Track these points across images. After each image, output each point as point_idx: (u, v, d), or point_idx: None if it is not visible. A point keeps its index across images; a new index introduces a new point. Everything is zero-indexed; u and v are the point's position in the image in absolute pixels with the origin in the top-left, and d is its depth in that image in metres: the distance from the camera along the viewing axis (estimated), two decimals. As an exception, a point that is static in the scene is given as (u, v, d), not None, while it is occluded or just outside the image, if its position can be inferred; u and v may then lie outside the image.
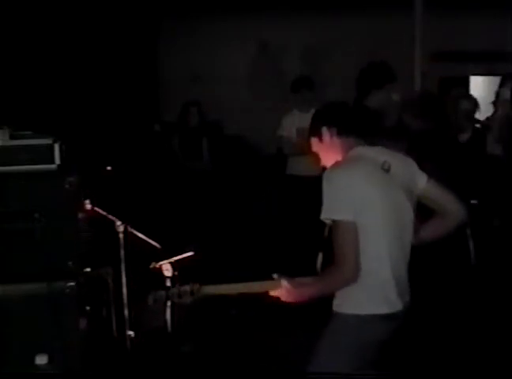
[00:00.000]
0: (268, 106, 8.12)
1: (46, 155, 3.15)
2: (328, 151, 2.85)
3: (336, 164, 2.75)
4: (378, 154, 2.78)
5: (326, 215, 2.63)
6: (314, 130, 2.89)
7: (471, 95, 5.86)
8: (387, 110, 4.71)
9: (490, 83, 6.96)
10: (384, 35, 8.34)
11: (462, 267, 5.16)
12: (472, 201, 5.38)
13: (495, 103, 5.86)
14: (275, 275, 2.74)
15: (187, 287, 2.72)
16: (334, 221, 2.61)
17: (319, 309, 2.79)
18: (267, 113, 7.13)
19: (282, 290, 2.72)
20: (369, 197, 2.63)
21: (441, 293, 5.04)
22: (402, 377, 2.70)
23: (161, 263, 4.02)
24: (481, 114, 5.75)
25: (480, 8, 8.18)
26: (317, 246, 2.74)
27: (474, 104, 5.65)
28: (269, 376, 3.63)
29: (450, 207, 2.89)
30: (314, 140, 2.90)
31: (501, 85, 5.86)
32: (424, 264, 4.28)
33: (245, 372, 4.18)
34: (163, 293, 2.71)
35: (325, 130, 2.83)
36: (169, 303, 2.75)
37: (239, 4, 8.33)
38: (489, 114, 6.01)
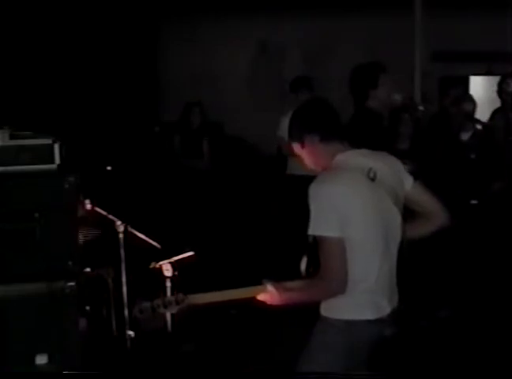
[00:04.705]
0: (268, 106, 8.12)
1: (46, 155, 3.16)
2: (312, 157, 2.81)
3: (321, 177, 2.69)
4: (363, 159, 2.72)
5: (313, 231, 2.61)
6: (295, 136, 2.82)
7: (470, 96, 5.86)
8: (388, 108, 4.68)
9: (490, 83, 6.94)
10: (384, 35, 8.34)
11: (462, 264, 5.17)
12: (472, 201, 5.39)
13: (500, 94, 5.85)
14: (264, 281, 2.75)
15: (172, 298, 2.72)
16: (320, 237, 2.59)
17: (319, 310, 2.79)
18: (267, 113, 7.12)
19: (267, 294, 2.73)
20: (354, 210, 2.60)
21: (442, 291, 5.04)
22: (395, 378, 2.69)
23: (161, 263, 4.02)
24: (479, 114, 5.77)
25: (479, 8, 8.19)
26: (303, 249, 2.74)
27: (474, 104, 5.66)
28: (268, 376, 3.64)
29: (435, 210, 2.86)
30: (295, 145, 2.83)
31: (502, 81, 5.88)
32: (424, 261, 4.29)
33: (244, 372, 4.18)
34: (148, 304, 2.71)
35: (307, 138, 2.77)
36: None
37: (239, 4, 8.32)
38: (488, 113, 6.01)
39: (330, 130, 2.77)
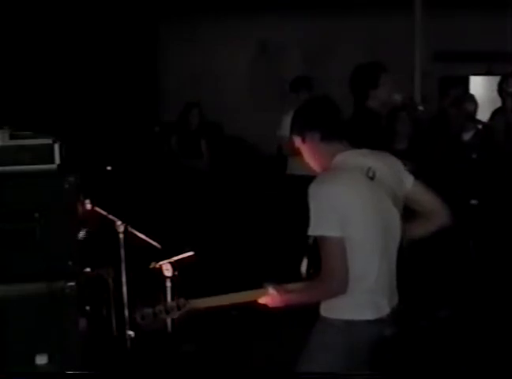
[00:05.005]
0: (268, 106, 8.11)
1: (46, 155, 3.15)
2: (311, 155, 2.82)
3: (320, 177, 2.70)
4: (363, 159, 2.73)
5: (313, 231, 2.61)
6: (297, 131, 2.83)
7: (472, 96, 5.86)
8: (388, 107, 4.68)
9: (490, 83, 6.94)
10: (384, 35, 8.34)
11: (462, 264, 5.17)
12: (472, 201, 5.39)
13: (500, 93, 5.85)
14: (265, 285, 2.75)
15: (173, 303, 2.72)
16: (321, 237, 2.59)
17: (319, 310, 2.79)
18: (267, 113, 7.12)
19: (269, 297, 2.73)
20: (354, 210, 2.60)
21: (442, 291, 5.04)
22: (395, 378, 2.69)
23: (161, 263, 4.02)
24: (479, 114, 5.76)
25: (480, 8, 8.19)
26: (303, 250, 2.74)
27: (475, 104, 5.65)
28: (268, 376, 3.63)
29: (436, 209, 2.85)
30: (297, 139, 2.85)
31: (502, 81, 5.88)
32: (424, 261, 4.29)
33: (245, 372, 4.17)
34: (150, 310, 2.70)
35: (308, 135, 2.78)
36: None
37: (239, 4, 8.33)
38: (488, 113, 6.01)
39: (331, 130, 2.78)
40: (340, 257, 2.58)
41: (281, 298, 2.72)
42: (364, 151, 2.80)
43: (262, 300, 2.76)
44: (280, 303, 2.74)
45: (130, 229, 4.26)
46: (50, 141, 3.18)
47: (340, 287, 2.60)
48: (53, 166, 3.16)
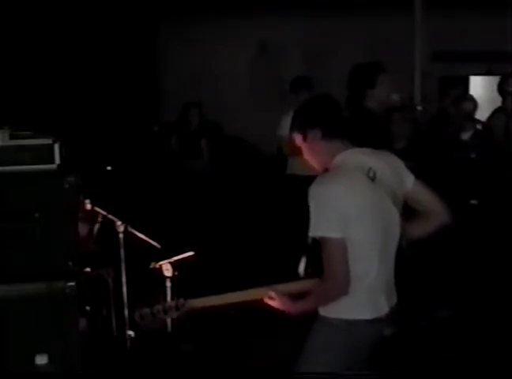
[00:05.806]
0: (268, 106, 8.12)
1: (46, 155, 3.15)
2: (312, 153, 2.82)
3: (320, 178, 2.69)
4: (364, 158, 2.73)
5: (314, 232, 2.60)
6: (298, 128, 2.83)
7: (471, 96, 5.87)
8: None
9: (490, 83, 6.95)
10: (384, 35, 8.35)
11: (462, 264, 5.18)
12: (472, 201, 5.40)
13: (501, 92, 5.86)
14: (263, 285, 2.75)
15: (172, 303, 2.72)
16: (322, 238, 2.59)
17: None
18: (267, 113, 7.12)
19: (277, 301, 2.73)
20: (355, 210, 2.60)
21: (442, 291, 5.05)
22: (395, 377, 2.69)
23: (161, 263, 4.03)
24: (479, 114, 5.77)
25: (480, 8, 8.19)
26: (302, 249, 2.73)
27: (474, 104, 5.66)
28: (268, 376, 3.64)
29: (436, 209, 2.86)
30: (297, 137, 2.84)
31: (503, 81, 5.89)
32: (424, 261, 4.29)
33: (244, 371, 4.18)
34: (148, 310, 2.70)
35: (309, 133, 2.78)
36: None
37: (239, 4, 8.33)
38: (488, 113, 6.01)
39: (333, 128, 2.78)
40: (342, 258, 2.57)
41: (289, 305, 2.72)
42: (365, 150, 2.80)
43: (269, 303, 2.75)
44: (287, 309, 2.73)
45: (130, 229, 4.27)
46: (50, 141, 3.17)
47: (343, 289, 2.60)
48: (53, 166, 3.16)
